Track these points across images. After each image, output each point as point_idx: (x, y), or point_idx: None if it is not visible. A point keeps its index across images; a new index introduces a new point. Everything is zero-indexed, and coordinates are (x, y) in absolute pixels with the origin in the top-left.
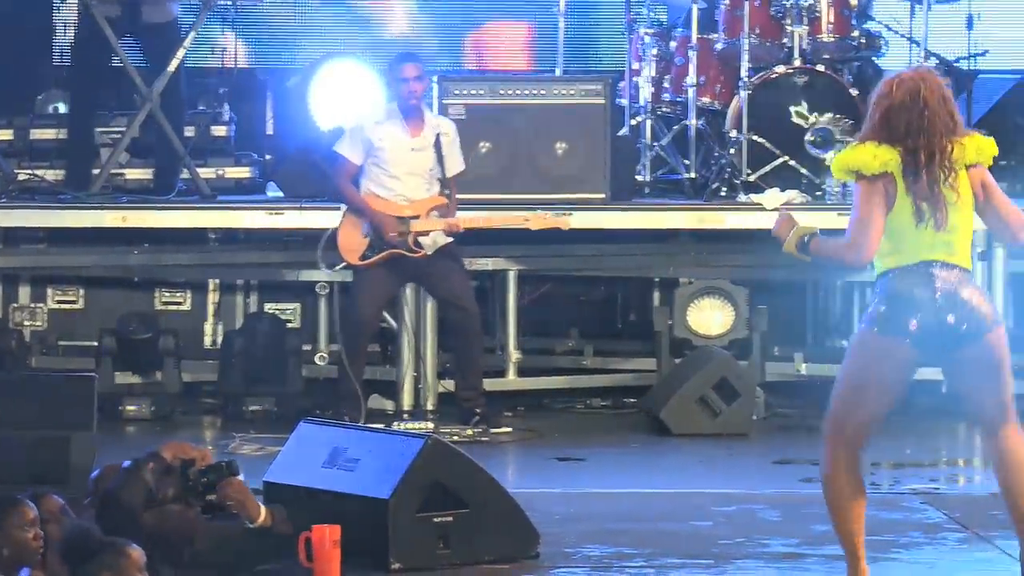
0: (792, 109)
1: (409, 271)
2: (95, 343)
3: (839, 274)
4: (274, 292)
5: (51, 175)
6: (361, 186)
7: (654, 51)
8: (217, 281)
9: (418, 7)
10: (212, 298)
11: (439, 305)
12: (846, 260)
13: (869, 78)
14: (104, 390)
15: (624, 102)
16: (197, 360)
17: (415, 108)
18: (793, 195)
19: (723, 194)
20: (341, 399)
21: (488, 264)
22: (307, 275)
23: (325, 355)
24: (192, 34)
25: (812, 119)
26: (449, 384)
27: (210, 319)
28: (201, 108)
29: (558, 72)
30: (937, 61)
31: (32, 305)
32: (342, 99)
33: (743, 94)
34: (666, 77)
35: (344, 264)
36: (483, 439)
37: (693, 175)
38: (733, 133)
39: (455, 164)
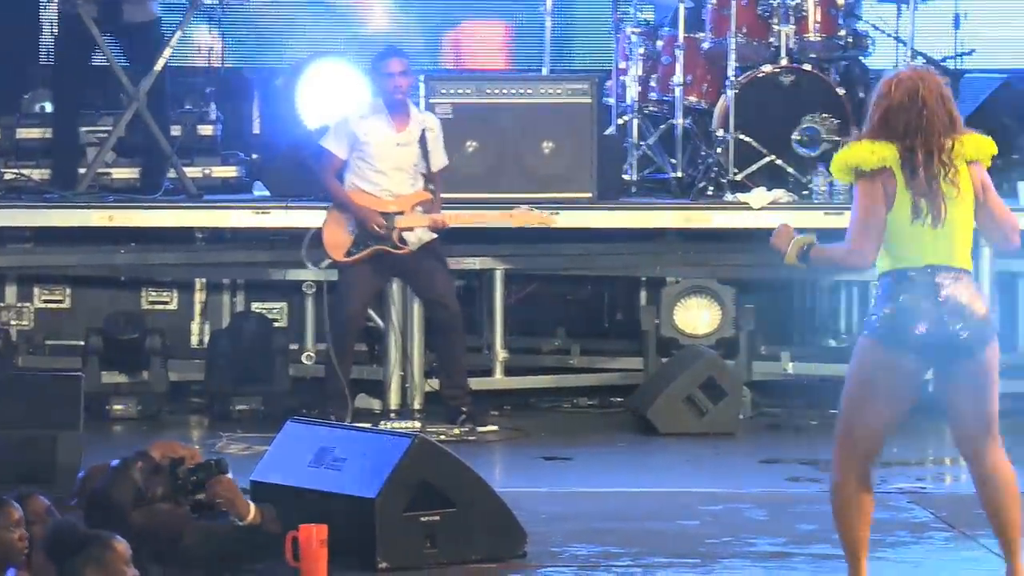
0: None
1: (393, 267)
2: (82, 342)
3: (826, 273)
4: (261, 291)
5: (37, 174)
6: (346, 180)
7: (641, 50)
8: (204, 280)
9: (406, 6)
10: (199, 297)
11: (421, 303)
12: (849, 265)
13: (856, 77)
14: (91, 390)
15: (611, 101)
16: (184, 359)
17: (401, 103)
18: (780, 194)
19: (710, 193)
20: (328, 398)
21: (475, 263)
22: (294, 274)
23: (312, 354)
24: (178, 33)
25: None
26: (436, 383)
27: (197, 318)
28: (188, 107)
29: (545, 71)
30: (924, 60)
31: (19, 304)
32: (329, 98)
33: (730, 93)
34: (653, 76)
35: (329, 261)
36: (470, 438)
37: (680, 174)
38: (720, 132)
39: (440, 159)
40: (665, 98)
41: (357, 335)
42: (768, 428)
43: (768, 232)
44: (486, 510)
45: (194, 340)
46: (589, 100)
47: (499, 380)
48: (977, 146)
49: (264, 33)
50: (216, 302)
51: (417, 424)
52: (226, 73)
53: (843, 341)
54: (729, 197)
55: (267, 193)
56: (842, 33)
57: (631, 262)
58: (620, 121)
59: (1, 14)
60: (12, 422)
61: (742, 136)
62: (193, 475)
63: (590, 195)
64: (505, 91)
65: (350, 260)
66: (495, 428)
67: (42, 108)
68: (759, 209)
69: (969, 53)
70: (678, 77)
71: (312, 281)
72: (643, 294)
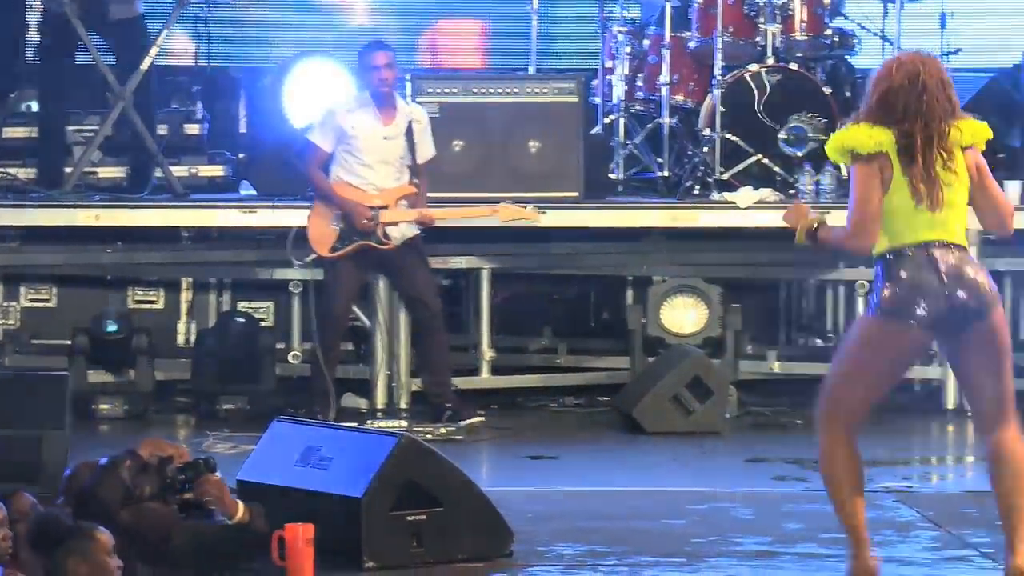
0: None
1: (376, 263)
2: (68, 342)
3: (812, 272)
4: (247, 290)
5: (24, 174)
6: (331, 173)
7: (627, 49)
8: (190, 280)
9: (394, 6)
10: (185, 297)
11: (402, 301)
12: (849, 249)
13: (842, 76)
14: (77, 389)
15: (597, 100)
16: (170, 359)
17: (387, 96)
18: (766, 193)
19: (696, 192)
20: (312, 395)
21: (461, 262)
22: (280, 273)
23: (298, 353)
24: (165, 32)
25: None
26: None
27: (183, 318)
28: (174, 106)
29: (531, 71)
30: None
31: (5, 304)
32: (315, 97)
33: (716, 92)
34: (639, 75)
35: (314, 256)
36: (456, 437)
37: (666, 173)
38: (706, 131)
39: (426, 150)
40: (651, 97)
41: (343, 332)
42: (754, 427)
43: (754, 232)
44: (472, 509)
45: (180, 339)
46: (576, 99)
47: (486, 379)
48: (973, 132)
49: (251, 32)
50: (202, 301)
51: (403, 423)
52: (213, 72)
53: (830, 341)
54: (716, 196)
55: (254, 192)
56: (828, 32)
57: (618, 261)
58: (607, 120)
59: None
60: None
61: (728, 135)
62: (181, 474)
63: (577, 194)
64: (492, 90)
65: (335, 256)
66: (481, 418)
67: (28, 107)
68: (746, 208)
69: (955, 52)
70: (664, 76)
71: (299, 280)
72: (630, 293)
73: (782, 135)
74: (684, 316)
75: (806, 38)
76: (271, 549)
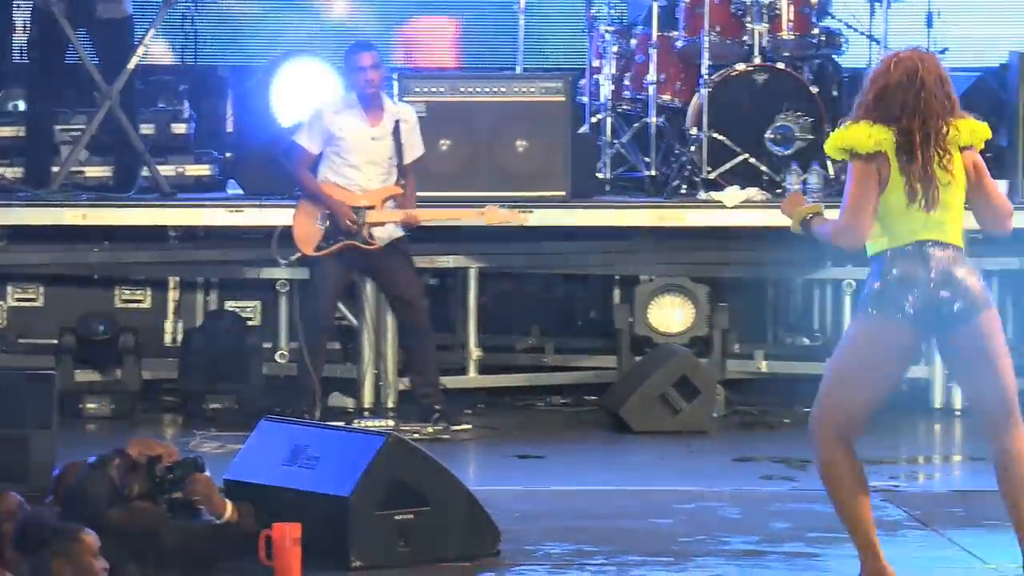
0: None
1: (361, 263)
2: (55, 341)
3: (800, 271)
4: (234, 290)
5: (10, 173)
6: (319, 174)
7: (614, 48)
8: (177, 279)
9: (381, 5)
10: (172, 296)
11: (388, 301)
12: (838, 243)
13: (829, 76)
14: (64, 388)
15: (584, 100)
16: (157, 358)
17: (373, 96)
18: (753, 192)
19: (683, 192)
20: (299, 395)
21: (448, 261)
22: (267, 273)
23: (285, 353)
24: (151, 31)
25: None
26: (410, 381)
27: (170, 317)
28: (161, 105)
29: (518, 70)
30: None
31: None
32: (302, 97)
33: (703, 92)
34: (626, 75)
35: (299, 255)
36: (444, 436)
37: (653, 173)
38: (693, 131)
39: (414, 150)
40: (639, 96)
41: (328, 330)
42: (742, 426)
43: (741, 231)
44: (460, 509)
45: (167, 339)
46: (563, 98)
47: (473, 378)
48: (971, 131)
49: (238, 31)
50: (190, 301)
51: (391, 423)
52: (200, 71)
53: (817, 340)
54: (703, 195)
55: (240, 191)
56: (815, 32)
57: (605, 260)
58: (594, 119)
59: None
60: None
61: (715, 134)
62: (170, 473)
63: (564, 193)
64: (479, 89)
65: (319, 255)
66: (468, 426)
67: (15, 107)
68: (733, 207)
69: (942, 51)
70: (652, 75)
71: (286, 279)
72: (617, 292)
73: (769, 134)
74: (671, 315)
75: (793, 37)
76: (258, 548)
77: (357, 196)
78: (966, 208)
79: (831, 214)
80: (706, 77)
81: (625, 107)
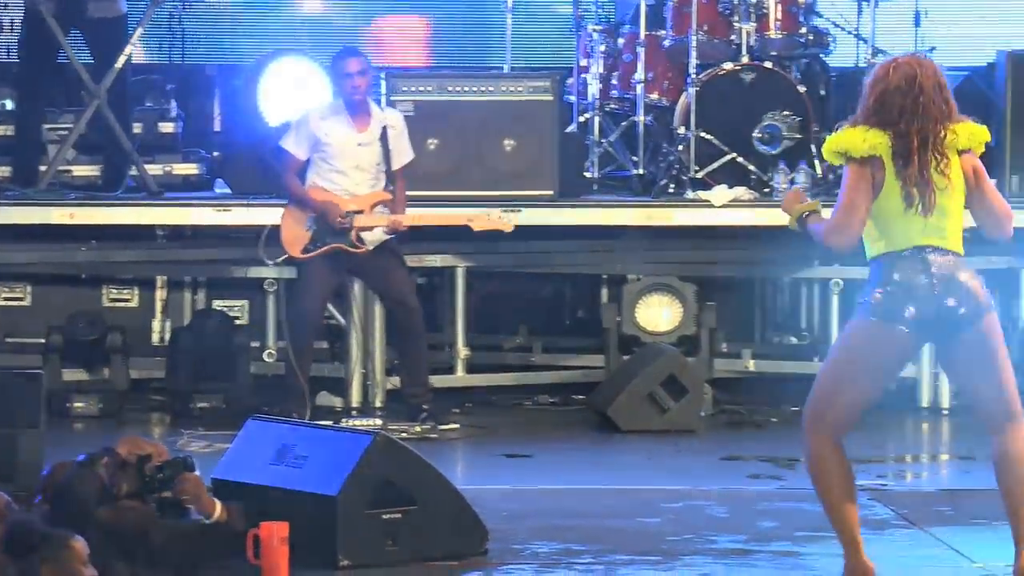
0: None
1: (351, 266)
2: (42, 340)
3: (787, 270)
4: (222, 289)
5: None
6: (307, 180)
7: (602, 47)
8: (165, 278)
9: (367, 3)
10: (160, 295)
11: (381, 302)
12: (828, 243)
13: (816, 75)
14: (52, 387)
15: (572, 99)
16: (145, 357)
17: (360, 103)
18: (741, 192)
19: (671, 191)
20: (287, 394)
21: (436, 260)
22: (255, 272)
23: (273, 352)
24: (139, 30)
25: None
26: (397, 381)
27: (158, 316)
28: (148, 104)
29: (506, 69)
30: (885, 58)
31: None
32: (290, 96)
33: (691, 91)
34: (614, 74)
35: (285, 257)
36: (431, 436)
37: (641, 172)
38: (681, 130)
39: (402, 155)
40: (626, 95)
41: (316, 332)
42: (729, 425)
43: (729, 230)
44: (447, 508)
45: (155, 338)
46: (550, 98)
47: (460, 377)
48: (970, 135)
49: (225, 30)
50: (177, 300)
51: (378, 422)
52: (187, 70)
53: (804, 339)
54: (690, 195)
55: (228, 190)
56: (803, 31)
57: (592, 259)
58: (581, 119)
59: None
60: None
61: (703, 134)
62: (160, 472)
63: (551, 193)
64: (466, 88)
65: (307, 257)
66: (456, 426)
67: (3, 106)
68: (720, 207)
69: (930, 51)
70: (639, 74)
71: (274, 279)
72: (604, 291)
73: (756, 133)
74: (659, 314)
75: (780, 36)
76: (246, 547)
77: (346, 201)
78: (966, 211)
79: (829, 213)
80: (694, 76)
81: (613, 106)
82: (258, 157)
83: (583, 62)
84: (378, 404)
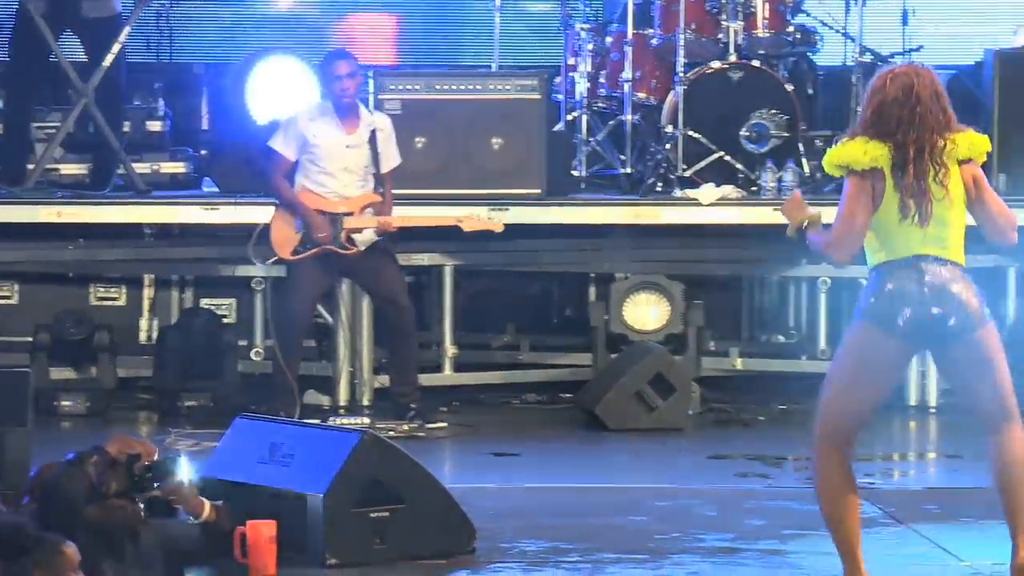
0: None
1: (342, 267)
2: (30, 339)
3: (775, 269)
4: (210, 287)
5: None
6: (296, 182)
7: (590, 46)
8: (152, 276)
9: (353, 2)
10: (147, 293)
11: (372, 301)
12: (828, 258)
13: (804, 73)
14: (39, 386)
15: (560, 97)
16: (132, 355)
17: (349, 105)
18: (728, 190)
19: (659, 189)
20: (276, 394)
21: (424, 259)
22: (243, 270)
23: (261, 350)
24: (127, 28)
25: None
26: (385, 380)
27: (145, 314)
28: (136, 103)
29: (494, 67)
30: (872, 56)
31: None
32: (278, 94)
33: (679, 89)
34: (602, 72)
35: (276, 258)
36: (419, 434)
37: (629, 170)
38: (669, 128)
39: (391, 159)
40: (614, 94)
41: (305, 332)
42: (717, 424)
43: (717, 229)
44: (435, 506)
45: (143, 336)
46: (538, 96)
47: (448, 376)
48: (970, 145)
49: (213, 28)
50: (165, 298)
51: (366, 420)
52: (175, 68)
53: (792, 337)
54: (678, 193)
55: (216, 189)
56: (790, 29)
57: (580, 258)
58: (569, 117)
59: None
60: None
61: (691, 132)
62: (149, 472)
63: (539, 191)
64: (454, 87)
65: (296, 258)
66: (444, 425)
67: None
68: (708, 205)
69: (917, 49)
70: (627, 73)
71: (261, 277)
72: (592, 290)
73: (744, 132)
74: (646, 313)
75: (768, 35)
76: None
77: (335, 203)
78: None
79: (828, 213)
80: (681, 75)
81: (600, 105)
82: (246, 156)
83: (571, 61)
84: (366, 403)
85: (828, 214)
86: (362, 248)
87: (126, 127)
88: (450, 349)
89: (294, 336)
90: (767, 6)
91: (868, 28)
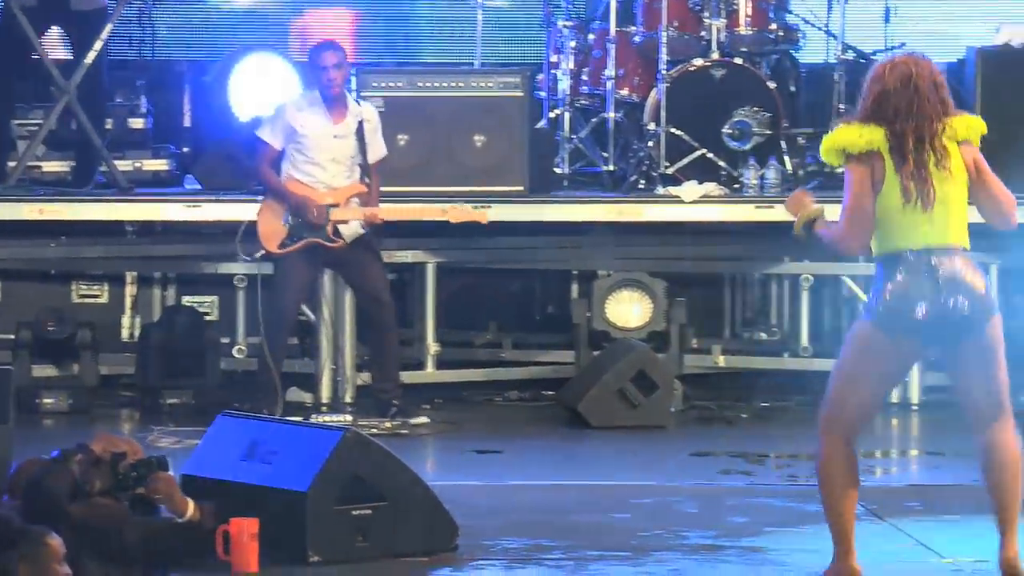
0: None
1: (327, 259)
2: (12, 336)
3: (757, 266)
4: (192, 285)
5: None
6: (282, 171)
7: (572, 44)
8: (135, 274)
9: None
10: (130, 291)
11: (355, 296)
12: (838, 250)
13: (786, 71)
14: (21, 383)
15: (543, 95)
16: (115, 353)
17: (337, 96)
18: (711, 188)
19: (641, 187)
20: (259, 391)
21: (407, 256)
22: (225, 268)
23: (243, 348)
24: (109, 26)
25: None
26: (367, 377)
27: (128, 312)
28: (119, 100)
29: (477, 64)
30: (855, 54)
31: None
32: (260, 91)
33: (661, 87)
34: (584, 70)
35: (263, 252)
36: (402, 432)
37: (611, 168)
38: (651, 126)
39: (377, 150)
40: (596, 92)
41: (292, 329)
42: (699, 421)
43: (699, 226)
44: (417, 504)
45: (125, 334)
46: (521, 94)
47: (430, 373)
48: (967, 126)
49: (195, 25)
50: (147, 296)
51: (348, 418)
52: (157, 65)
53: (774, 335)
54: (660, 190)
55: (198, 186)
56: (773, 27)
57: (562, 255)
58: (552, 115)
59: None
60: None
61: (673, 130)
62: (134, 470)
63: (522, 188)
64: (437, 84)
65: (283, 252)
66: (426, 420)
67: None
68: (690, 203)
69: (899, 47)
70: (610, 71)
71: (244, 275)
72: (574, 287)
73: (727, 129)
74: (629, 310)
75: (750, 32)
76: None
77: (322, 193)
78: (969, 203)
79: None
80: (664, 72)
81: (583, 102)
82: (228, 153)
83: (553, 58)
84: (348, 400)
85: (827, 212)
86: (348, 241)
87: (108, 124)
88: (432, 346)
89: (282, 333)
90: (749, 4)
91: (850, 26)
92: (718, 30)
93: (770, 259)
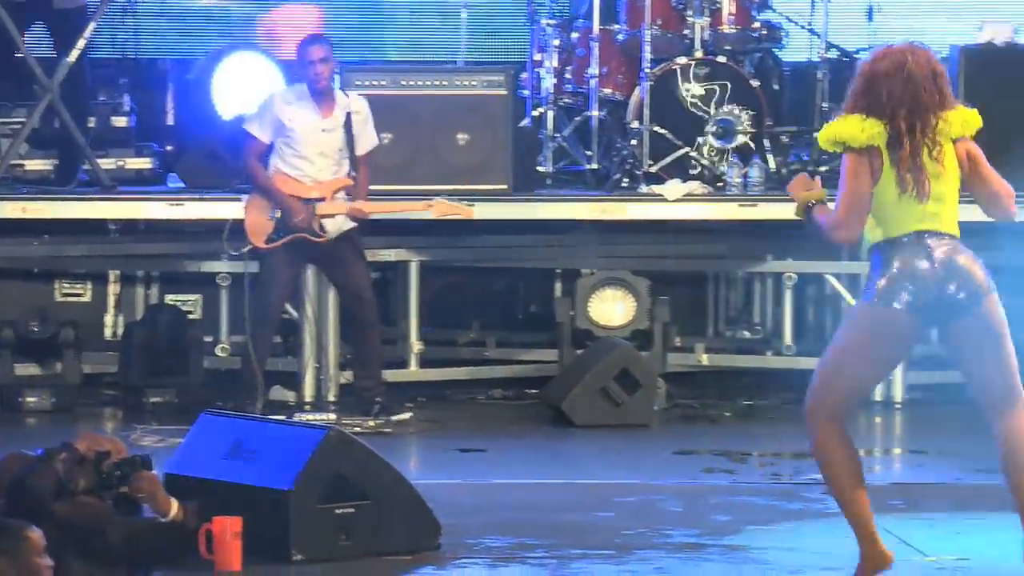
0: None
1: (312, 254)
2: None
3: (740, 265)
4: (175, 283)
5: None
6: (270, 164)
7: (556, 42)
8: (118, 272)
9: None
10: (113, 289)
11: (338, 294)
12: (833, 239)
13: (769, 69)
14: (3, 382)
15: (526, 93)
16: (98, 352)
17: (324, 90)
18: (694, 186)
19: (625, 185)
20: (241, 388)
21: (390, 255)
22: (208, 266)
23: (226, 346)
24: (92, 24)
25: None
26: (351, 375)
27: (111, 310)
28: (102, 99)
29: (460, 62)
30: (838, 53)
31: None
32: (243, 90)
33: (644, 85)
34: (568, 68)
35: (249, 247)
36: (385, 430)
37: (595, 166)
38: (635, 124)
39: (367, 141)
40: (580, 90)
41: (277, 327)
42: (683, 419)
43: (682, 224)
44: (401, 502)
45: (108, 332)
46: (504, 92)
47: (414, 372)
48: (963, 122)
49: (179, 23)
50: (130, 294)
51: (332, 416)
52: (141, 64)
53: (757, 333)
54: (644, 189)
55: (181, 185)
56: (756, 25)
57: (546, 254)
58: (535, 113)
59: None
60: None
61: (657, 128)
62: (118, 470)
63: (506, 187)
64: (420, 82)
65: (270, 247)
66: (409, 415)
67: None
68: (674, 201)
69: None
70: (593, 69)
71: (227, 273)
72: (558, 286)
73: (710, 128)
74: (612, 309)
75: (734, 31)
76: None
77: (308, 187)
78: (969, 198)
79: (764, 210)
80: (647, 71)
81: (567, 100)
82: (211, 151)
83: (537, 56)
84: (331, 398)
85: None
86: (333, 235)
87: (91, 123)
88: (416, 345)
89: (268, 331)
90: (733, 2)
91: (833, 24)
92: (701, 28)
93: (753, 257)
